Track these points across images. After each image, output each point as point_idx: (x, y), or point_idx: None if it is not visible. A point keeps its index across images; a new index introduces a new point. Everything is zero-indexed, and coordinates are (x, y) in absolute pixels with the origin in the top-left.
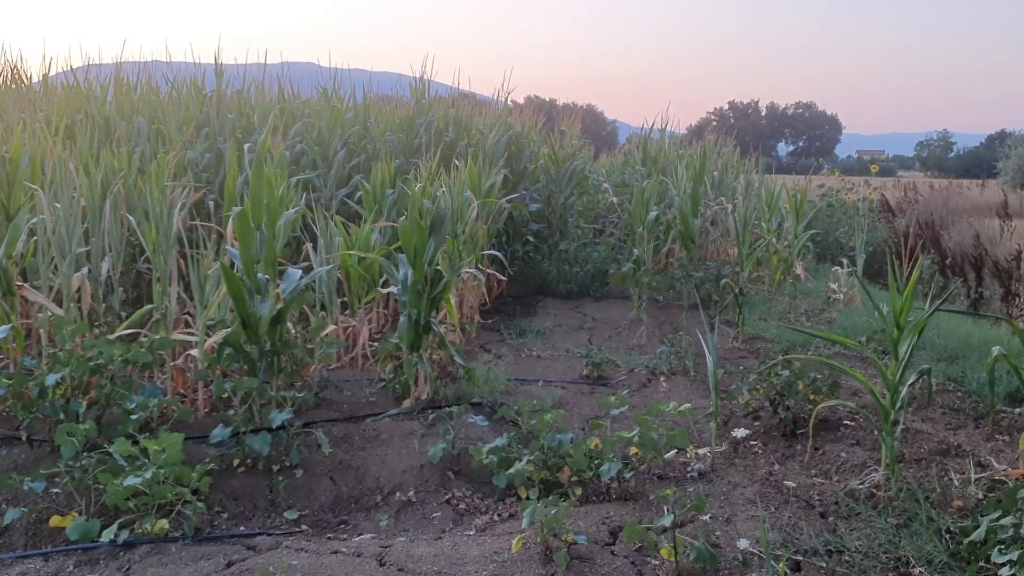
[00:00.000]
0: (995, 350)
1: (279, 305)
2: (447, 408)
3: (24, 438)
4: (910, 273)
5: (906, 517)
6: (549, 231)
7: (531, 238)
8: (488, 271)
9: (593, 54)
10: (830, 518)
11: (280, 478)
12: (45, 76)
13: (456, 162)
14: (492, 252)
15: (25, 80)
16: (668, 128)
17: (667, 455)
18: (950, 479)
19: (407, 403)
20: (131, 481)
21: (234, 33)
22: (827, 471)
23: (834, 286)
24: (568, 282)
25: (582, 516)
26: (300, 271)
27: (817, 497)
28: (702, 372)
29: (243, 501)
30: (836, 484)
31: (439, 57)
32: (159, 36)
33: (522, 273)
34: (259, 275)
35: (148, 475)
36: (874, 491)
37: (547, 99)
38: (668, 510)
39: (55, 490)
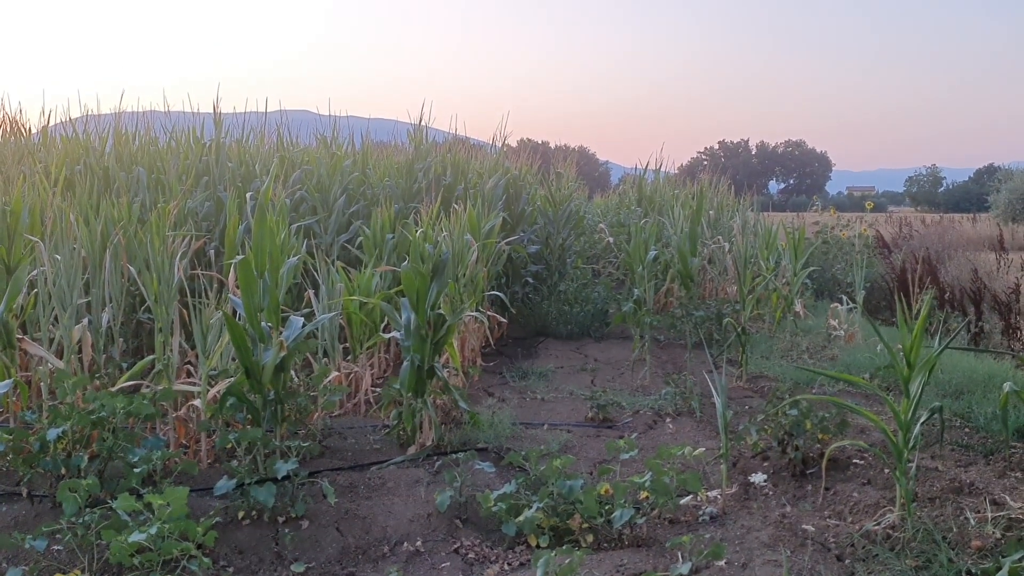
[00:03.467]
0: (1006, 386)
1: (283, 353)
2: (453, 455)
3: (25, 494)
4: (918, 310)
5: (925, 558)
6: (548, 272)
7: (530, 279)
8: (488, 313)
9: (584, 96)
10: (847, 560)
11: (286, 530)
12: (44, 128)
13: (455, 206)
14: (494, 293)
15: (24, 132)
16: (662, 168)
17: (681, 500)
18: (966, 518)
19: (412, 450)
20: (136, 537)
21: (231, 81)
22: (840, 512)
23: (834, 323)
24: (568, 323)
25: (595, 564)
26: (303, 319)
27: (832, 539)
28: (708, 413)
29: (249, 554)
30: (851, 525)
31: (432, 102)
32: (156, 86)
33: (522, 315)
34: (262, 323)
35: (153, 531)
36: (890, 532)
37: (540, 141)
38: (684, 557)
39: (57, 547)
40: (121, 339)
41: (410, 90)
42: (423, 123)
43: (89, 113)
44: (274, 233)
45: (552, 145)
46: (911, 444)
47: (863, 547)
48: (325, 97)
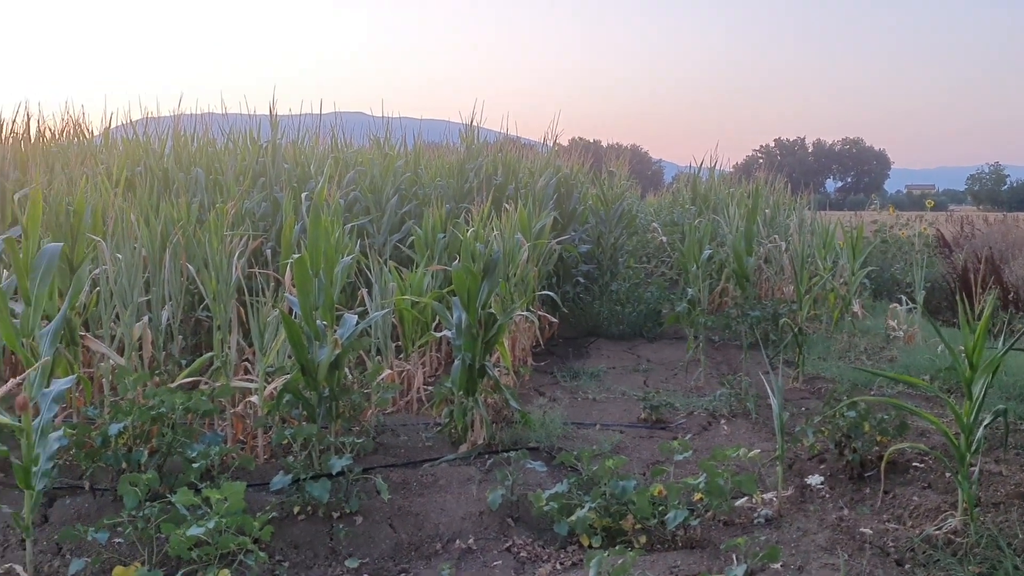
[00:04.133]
0: None
1: (337, 351)
2: (504, 453)
3: (87, 487)
4: (980, 311)
5: (989, 565)
6: (599, 272)
7: (581, 279)
8: (539, 313)
9: (637, 95)
10: (907, 565)
11: (340, 525)
12: (106, 130)
13: (506, 205)
14: (545, 293)
15: (87, 134)
16: (717, 166)
17: (736, 502)
18: None
19: (463, 448)
20: (194, 531)
21: (286, 83)
22: (900, 516)
23: (893, 323)
24: (620, 323)
25: (648, 565)
26: (356, 317)
27: (892, 544)
28: (763, 414)
29: (304, 549)
30: (911, 530)
31: (483, 102)
32: (214, 89)
33: (573, 314)
34: (317, 321)
35: (211, 525)
36: (952, 537)
37: (592, 140)
38: (739, 559)
39: (118, 540)
40: (180, 336)
41: (462, 90)
42: (474, 123)
43: (149, 116)
44: (329, 233)
45: (604, 144)
46: (973, 448)
47: (924, 552)
48: (378, 99)
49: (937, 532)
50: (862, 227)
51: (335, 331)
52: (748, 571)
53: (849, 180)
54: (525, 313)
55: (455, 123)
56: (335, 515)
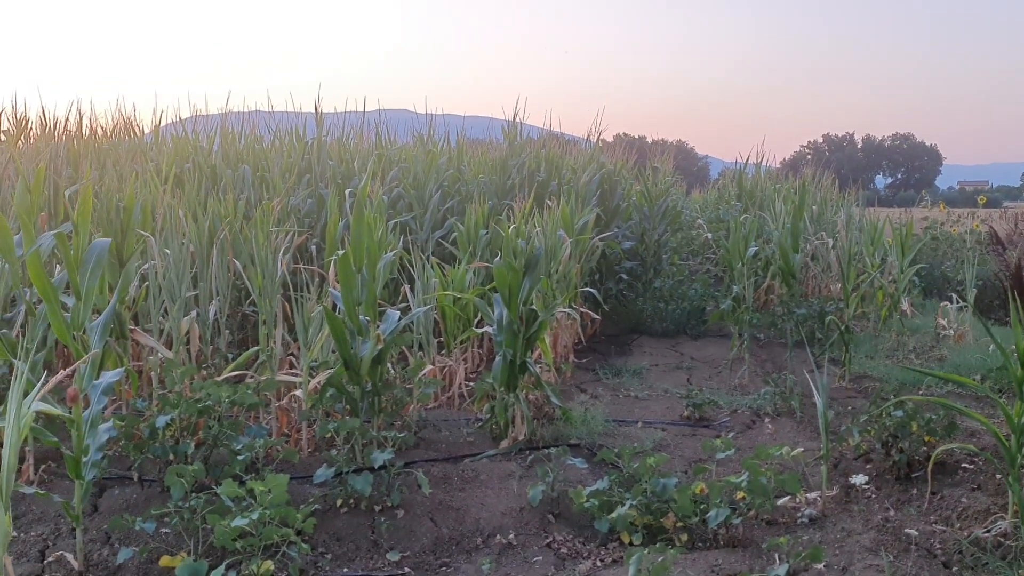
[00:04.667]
0: None
1: (379, 346)
2: (545, 449)
3: (136, 478)
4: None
5: None
6: (643, 269)
7: (624, 276)
8: (581, 310)
9: (683, 90)
10: (954, 568)
11: (382, 519)
12: (156, 127)
13: (548, 202)
14: (587, 290)
15: (137, 132)
16: (763, 162)
17: (779, 501)
18: None
19: (505, 444)
20: (238, 522)
21: (332, 81)
22: (947, 518)
23: (943, 322)
24: (663, 320)
25: (689, 564)
26: (399, 312)
27: (939, 546)
28: (808, 413)
29: (346, 542)
30: (959, 532)
31: (525, 98)
32: (260, 87)
33: (616, 311)
34: (360, 317)
35: (255, 516)
36: (1001, 540)
37: (637, 136)
38: (781, 559)
39: (165, 530)
40: (227, 331)
41: (505, 87)
42: (517, 119)
43: (198, 113)
44: (372, 229)
45: (649, 140)
46: None
47: (972, 555)
48: (422, 96)
49: (986, 535)
50: (911, 224)
51: (378, 326)
52: (790, 571)
53: (899, 176)
54: (567, 310)
55: (498, 119)
56: (377, 508)
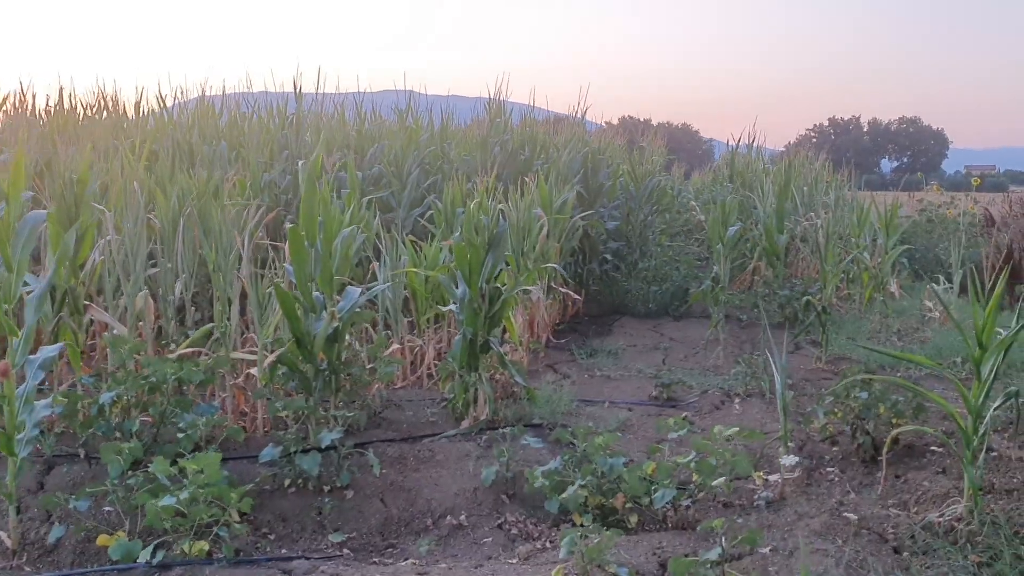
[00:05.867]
0: None
1: (335, 323)
2: (504, 429)
3: (83, 456)
4: (981, 287)
5: (990, 554)
6: (628, 249)
7: (609, 256)
8: (562, 290)
9: (691, 73)
10: (904, 554)
11: (328, 499)
12: (137, 104)
13: (526, 179)
14: (550, 265)
15: (120, 111)
16: (755, 143)
17: (733, 481)
18: None
19: (465, 424)
20: (166, 501)
21: (327, 67)
22: (906, 501)
23: (929, 304)
24: (647, 301)
25: (632, 545)
26: (360, 289)
27: (891, 530)
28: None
29: (292, 522)
30: (914, 516)
31: (508, 76)
32: (241, 70)
33: (601, 292)
34: (315, 293)
35: (184, 496)
36: (954, 524)
37: (642, 119)
38: (718, 543)
39: (107, 508)
40: (194, 308)
41: (522, 71)
42: (501, 97)
43: (180, 94)
44: (327, 203)
45: (654, 123)
46: (981, 431)
47: (923, 540)
48: (424, 77)
49: (940, 519)
50: (896, 204)
51: (337, 303)
52: (725, 555)
53: (905, 160)
54: (531, 288)
55: (515, 102)
56: (326, 489)
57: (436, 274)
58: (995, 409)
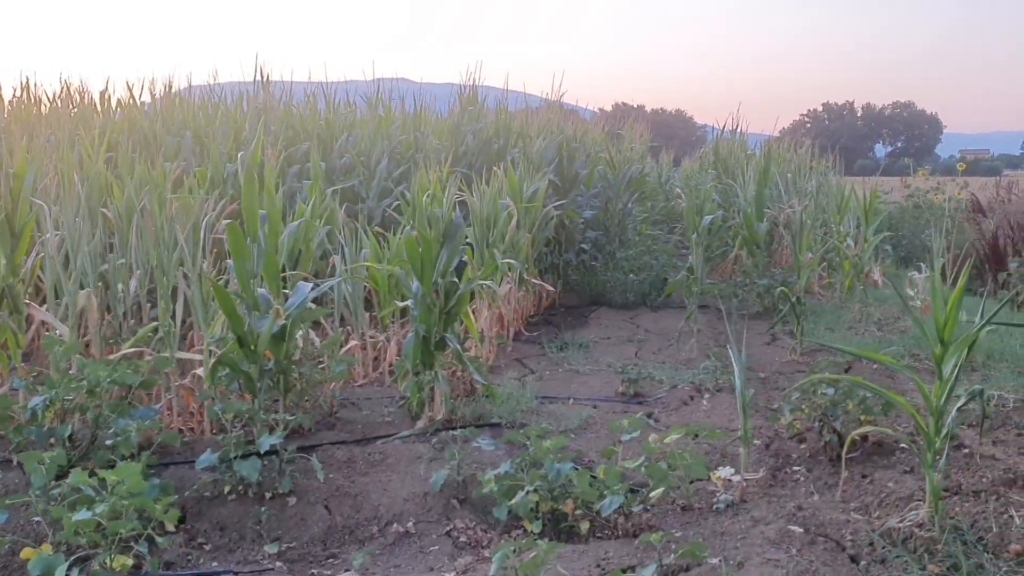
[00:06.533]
0: None
1: (281, 321)
2: (462, 429)
3: (15, 462)
4: (956, 275)
5: (950, 563)
6: (607, 239)
7: (586, 246)
8: (535, 281)
9: (686, 60)
10: (862, 563)
11: (263, 508)
12: (103, 95)
13: (496, 169)
14: (508, 261)
15: (84, 102)
16: (739, 128)
17: (692, 483)
18: (1011, 516)
19: (420, 424)
20: (82, 516)
21: (319, 60)
22: (868, 504)
23: (911, 292)
24: (625, 291)
25: (577, 556)
26: (310, 285)
27: (850, 537)
28: (751, 387)
29: (230, 531)
30: (876, 520)
31: (480, 62)
32: (207, 64)
33: (579, 283)
34: (260, 290)
35: (99, 509)
36: (914, 531)
37: (636, 105)
38: (660, 556)
39: (37, 518)
40: (150, 305)
41: (537, 61)
42: (475, 83)
43: (151, 86)
44: (272, 195)
45: (648, 109)
46: (944, 431)
47: (882, 548)
48: (430, 68)
49: (900, 524)
50: (876, 189)
51: (286, 301)
52: (662, 570)
53: (899, 145)
54: (486, 283)
55: (496, 88)
56: (268, 496)
57: (393, 269)
58: (958, 409)
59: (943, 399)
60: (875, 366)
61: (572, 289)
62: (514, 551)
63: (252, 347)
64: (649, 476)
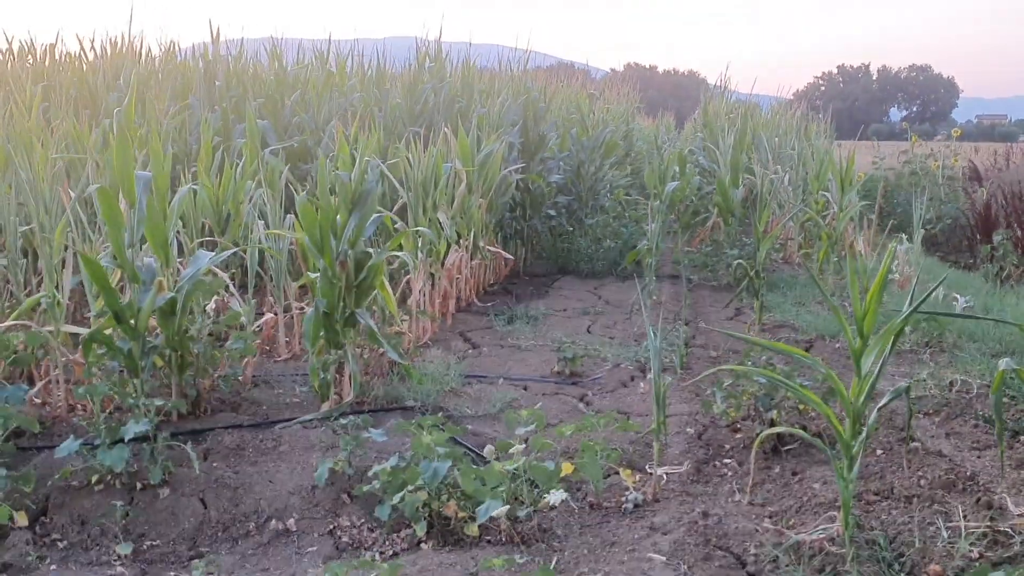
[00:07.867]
0: (1003, 363)
1: (165, 294)
2: (370, 413)
3: None
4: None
5: None
6: (579, 204)
7: (553, 212)
8: (492, 249)
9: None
10: None
11: (135, 500)
12: (50, 47)
13: (445, 129)
14: (422, 229)
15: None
16: (726, 89)
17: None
18: (938, 528)
19: (326, 406)
20: None
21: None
22: (786, 510)
23: (892, 264)
24: (592, 260)
25: (444, 569)
26: (210, 254)
27: (753, 551)
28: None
29: (91, 526)
30: (789, 530)
31: (443, 15)
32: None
33: (546, 250)
34: (148, 259)
35: None
36: (825, 545)
37: (648, 66)
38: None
39: None
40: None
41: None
42: (441, 39)
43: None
44: (159, 156)
45: (660, 70)
46: (862, 435)
47: (786, 564)
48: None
49: (810, 538)
50: (853, 155)
51: (179, 272)
52: None
53: (915, 109)
54: (401, 254)
55: (506, 46)
56: (138, 487)
57: (302, 237)
58: (879, 409)
59: (861, 399)
60: (838, 344)
61: (541, 257)
62: (346, 570)
63: (133, 323)
64: (535, 475)
